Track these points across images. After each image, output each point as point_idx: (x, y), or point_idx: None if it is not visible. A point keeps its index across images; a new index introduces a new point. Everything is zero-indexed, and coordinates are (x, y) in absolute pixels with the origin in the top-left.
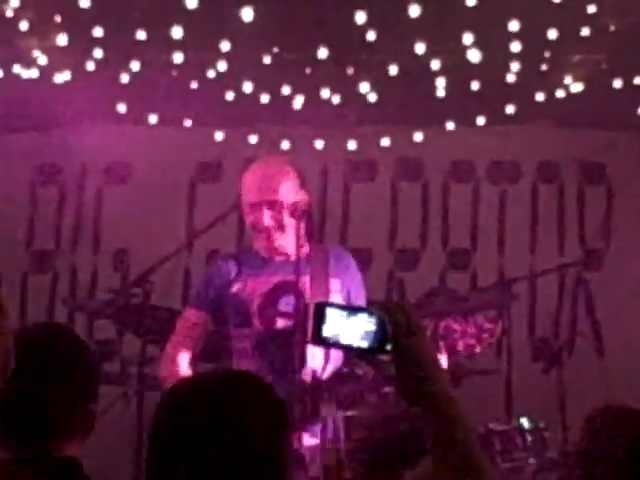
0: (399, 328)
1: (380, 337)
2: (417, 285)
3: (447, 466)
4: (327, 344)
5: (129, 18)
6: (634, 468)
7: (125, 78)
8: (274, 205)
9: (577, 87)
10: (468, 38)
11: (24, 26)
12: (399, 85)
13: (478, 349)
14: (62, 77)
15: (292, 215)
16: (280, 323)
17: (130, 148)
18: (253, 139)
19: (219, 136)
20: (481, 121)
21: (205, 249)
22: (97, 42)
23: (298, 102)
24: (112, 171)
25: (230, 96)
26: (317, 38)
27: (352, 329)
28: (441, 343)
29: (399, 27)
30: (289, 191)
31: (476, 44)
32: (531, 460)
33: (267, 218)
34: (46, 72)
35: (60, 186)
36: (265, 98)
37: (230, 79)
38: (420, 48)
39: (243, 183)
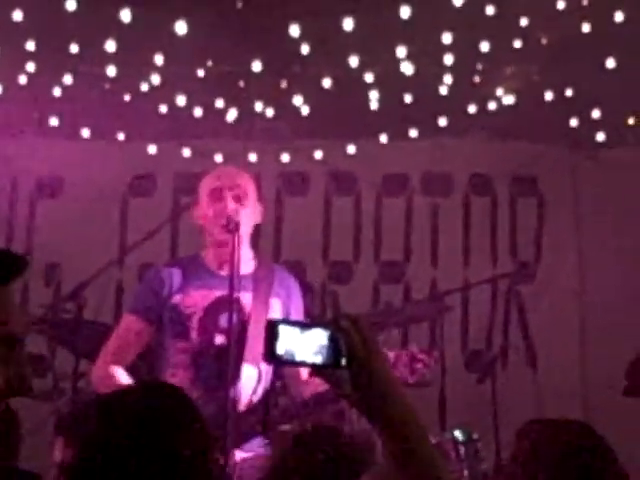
0: (353, 343)
1: (334, 352)
2: (351, 298)
3: None
4: (281, 362)
5: (62, 31)
6: (572, 472)
7: (57, 91)
8: (237, 190)
9: (509, 99)
10: (401, 51)
11: None
12: (332, 98)
13: (410, 380)
14: None
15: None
16: (219, 339)
17: (62, 162)
18: (186, 152)
19: (152, 149)
20: (414, 133)
21: (137, 263)
22: (29, 55)
23: (231, 115)
24: (43, 185)
25: (163, 109)
26: (251, 51)
27: (306, 345)
28: None
29: (333, 40)
30: (252, 194)
31: (409, 57)
32: (465, 472)
33: (231, 203)
34: None
35: None
36: (198, 111)
37: (164, 92)
38: (354, 61)
39: (202, 183)
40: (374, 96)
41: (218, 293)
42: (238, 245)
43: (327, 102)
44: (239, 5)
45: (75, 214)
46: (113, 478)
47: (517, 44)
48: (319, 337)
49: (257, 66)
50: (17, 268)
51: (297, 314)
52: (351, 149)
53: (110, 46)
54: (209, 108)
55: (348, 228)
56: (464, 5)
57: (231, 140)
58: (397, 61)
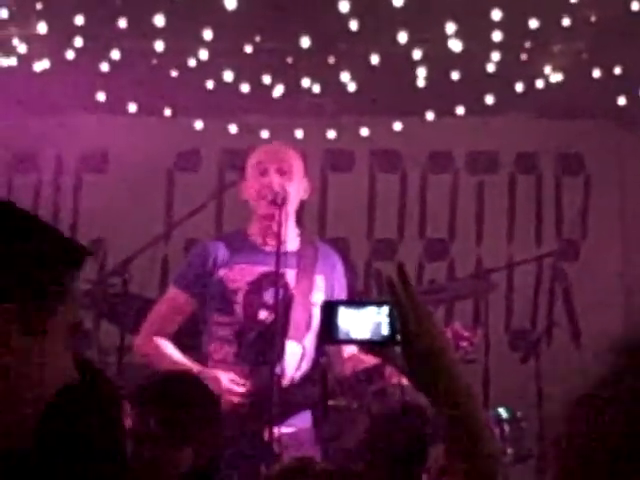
0: (407, 317)
1: (390, 328)
2: (394, 275)
3: (461, 458)
4: (338, 341)
5: (111, 6)
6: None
7: (105, 67)
8: (282, 164)
9: (556, 77)
10: (450, 27)
11: (4, 14)
12: (379, 75)
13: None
14: (41, 65)
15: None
16: (263, 315)
17: (109, 137)
18: (232, 129)
19: (198, 125)
20: (460, 111)
21: (183, 238)
22: (78, 30)
23: (278, 91)
24: (90, 160)
25: (210, 85)
26: (300, 27)
27: (362, 323)
28: None
29: (382, 16)
30: (299, 169)
31: (458, 34)
32: (509, 450)
33: (276, 177)
34: (25, 60)
35: (37, 175)
36: (245, 87)
37: (211, 68)
38: (402, 37)
39: (249, 158)
40: (421, 73)
41: (262, 269)
42: (285, 220)
43: (374, 79)
44: None
45: (121, 189)
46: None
47: (566, 22)
48: (374, 314)
49: (305, 42)
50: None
51: (341, 291)
52: (397, 126)
53: (159, 20)
54: (256, 84)
55: (393, 205)
56: None
57: (277, 116)
58: (445, 38)
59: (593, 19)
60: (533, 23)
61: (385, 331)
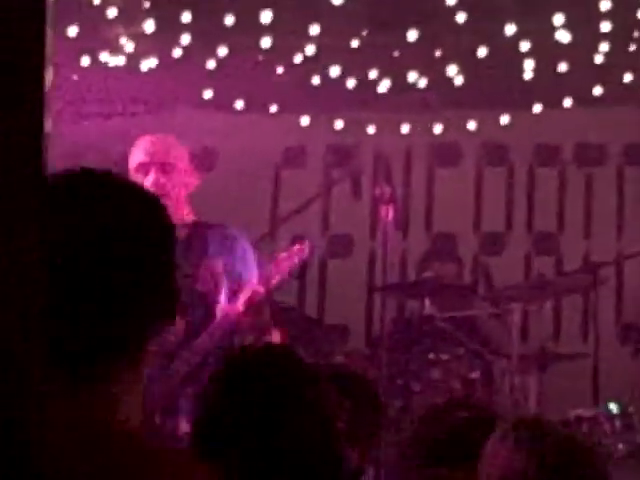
0: None
1: None
2: (502, 269)
3: None
4: None
5: (218, 2)
6: None
7: (212, 64)
8: (167, 167)
9: None
10: (558, 19)
11: (112, 13)
12: (486, 68)
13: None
14: (149, 64)
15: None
16: None
17: (216, 134)
18: (339, 124)
19: (304, 121)
20: (568, 103)
21: (289, 236)
22: (184, 28)
23: (384, 86)
24: (197, 158)
25: (316, 81)
26: (407, 20)
27: None
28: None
29: (489, 9)
30: (182, 160)
31: (566, 25)
32: (620, 446)
33: (154, 180)
34: (133, 59)
35: None
36: (351, 83)
37: (317, 64)
38: (510, 29)
39: (131, 152)
40: (529, 65)
41: None
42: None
43: (481, 72)
44: None
45: (228, 186)
46: None
47: None
48: None
49: (413, 35)
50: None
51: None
52: (504, 119)
53: (266, 17)
54: (362, 79)
55: (500, 199)
56: None
57: (383, 111)
58: (553, 29)
59: None
60: None
61: None
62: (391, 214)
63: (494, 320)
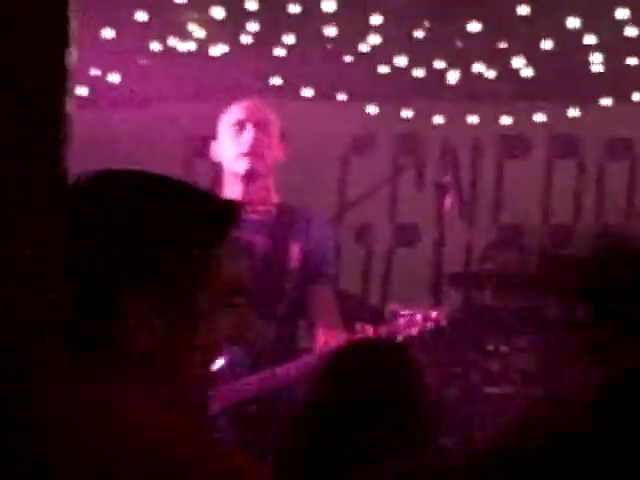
0: None
1: None
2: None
3: None
4: None
5: None
6: None
7: (280, 52)
8: (263, 126)
9: None
10: (623, 13)
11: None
12: (553, 60)
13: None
14: (218, 50)
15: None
16: None
17: (283, 121)
18: (406, 113)
19: (372, 110)
20: (637, 97)
21: (358, 222)
22: (251, 16)
23: (452, 77)
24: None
25: (384, 70)
26: (468, 12)
27: None
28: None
29: (552, 1)
30: (276, 126)
31: (632, 20)
32: None
33: (252, 135)
34: (202, 45)
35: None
36: (419, 72)
37: (383, 53)
38: (572, 23)
39: (221, 117)
40: (596, 59)
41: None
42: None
43: (548, 64)
44: None
45: (296, 173)
46: None
47: None
48: None
49: (475, 27)
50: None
51: (322, 261)
52: (573, 112)
53: (329, 6)
54: (429, 69)
55: (570, 192)
56: None
57: (452, 102)
58: (619, 24)
59: None
60: None
61: None
62: (452, 203)
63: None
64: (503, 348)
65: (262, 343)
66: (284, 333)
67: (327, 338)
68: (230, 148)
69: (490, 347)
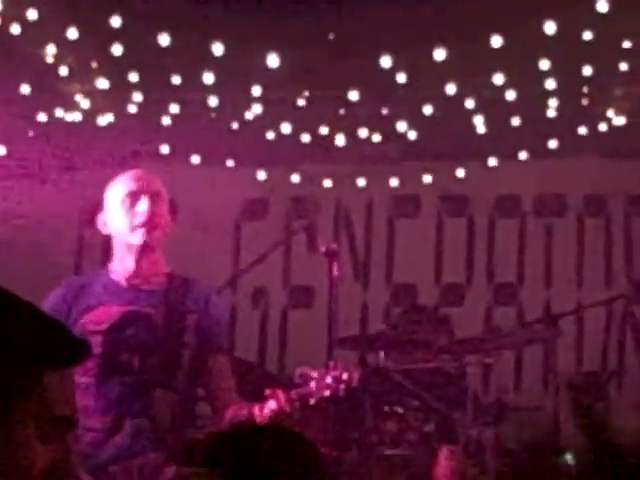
0: None
1: None
2: (463, 320)
3: None
4: None
5: (162, 64)
6: None
7: (166, 120)
8: (157, 197)
9: (620, 120)
10: (499, 78)
11: (64, 71)
12: (437, 123)
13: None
14: (105, 119)
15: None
16: (124, 357)
17: (175, 188)
18: (295, 178)
19: (262, 175)
20: (523, 155)
21: (251, 287)
22: (135, 86)
23: (339, 140)
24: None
25: (271, 136)
26: (345, 81)
27: None
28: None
29: (427, 70)
30: (166, 197)
31: (509, 84)
32: None
33: (148, 207)
34: (89, 115)
35: None
36: (306, 137)
37: (268, 120)
38: (451, 89)
39: (111, 187)
40: (479, 120)
41: (127, 308)
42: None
43: (432, 127)
44: (331, 36)
45: (188, 239)
46: None
47: (624, 66)
48: None
49: (354, 95)
50: (82, 353)
51: (217, 330)
52: (460, 172)
53: (208, 78)
54: (315, 135)
55: (460, 250)
56: (557, 32)
57: (340, 165)
58: (497, 88)
59: None
60: (587, 70)
61: None
62: (340, 269)
63: (452, 372)
64: (399, 409)
65: (163, 413)
66: (184, 402)
67: (233, 413)
68: (123, 220)
69: (386, 408)
